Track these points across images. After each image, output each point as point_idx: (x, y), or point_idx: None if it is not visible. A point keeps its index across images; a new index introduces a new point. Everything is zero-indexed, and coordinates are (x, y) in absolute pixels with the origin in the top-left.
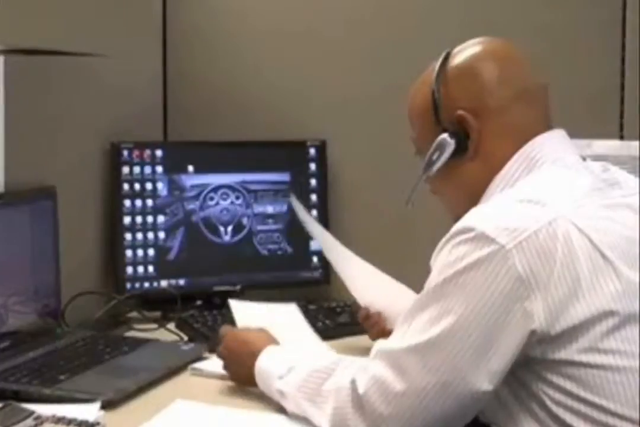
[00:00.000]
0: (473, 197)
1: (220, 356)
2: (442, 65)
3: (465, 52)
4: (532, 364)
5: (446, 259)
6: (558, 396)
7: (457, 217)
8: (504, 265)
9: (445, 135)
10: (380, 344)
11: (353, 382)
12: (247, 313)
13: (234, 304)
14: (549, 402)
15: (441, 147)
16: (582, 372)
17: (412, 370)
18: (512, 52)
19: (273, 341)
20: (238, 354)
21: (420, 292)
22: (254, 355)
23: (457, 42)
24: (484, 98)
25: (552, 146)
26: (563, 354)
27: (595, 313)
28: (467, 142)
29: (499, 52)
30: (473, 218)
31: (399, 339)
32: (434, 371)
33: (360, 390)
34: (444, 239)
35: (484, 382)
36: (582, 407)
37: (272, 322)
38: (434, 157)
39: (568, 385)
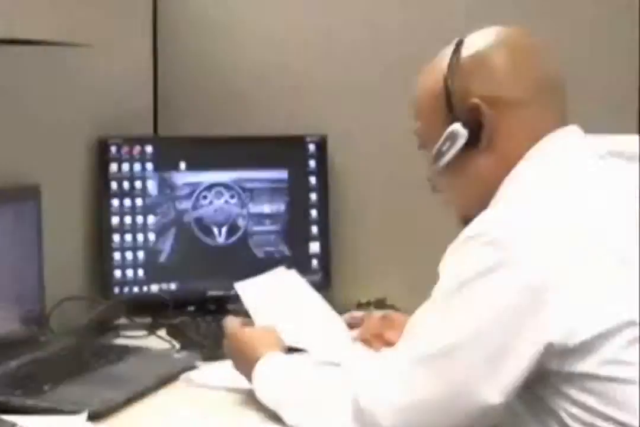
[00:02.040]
0: (483, 195)
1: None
2: (455, 53)
3: (480, 40)
4: (548, 377)
5: (455, 265)
6: (575, 410)
7: (463, 216)
8: (517, 273)
9: (457, 125)
10: (384, 353)
11: (355, 394)
12: (256, 297)
13: (240, 287)
14: (565, 417)
15: (453, 137)
16: (601, 385)
17: (417, 382)
18: (531, 42)
19: (277, 344)
20: (240, 354)
21: (428, 300)
22: (253, 359)
23: (462, 34)
24: (498, 89)
25: (567, 144)
26: (582, 367)
27: (615, 324)
28: (480, 133)
29: (516, 41)
30: (484, 223)
31: (405, 349)
32: (441, 383)
33: (362, 402)
34: (453, 245)
35: (494, 395)
36: (600, 422)
37: (284, 302)
38: (444, 148)
39: (586, 399)
